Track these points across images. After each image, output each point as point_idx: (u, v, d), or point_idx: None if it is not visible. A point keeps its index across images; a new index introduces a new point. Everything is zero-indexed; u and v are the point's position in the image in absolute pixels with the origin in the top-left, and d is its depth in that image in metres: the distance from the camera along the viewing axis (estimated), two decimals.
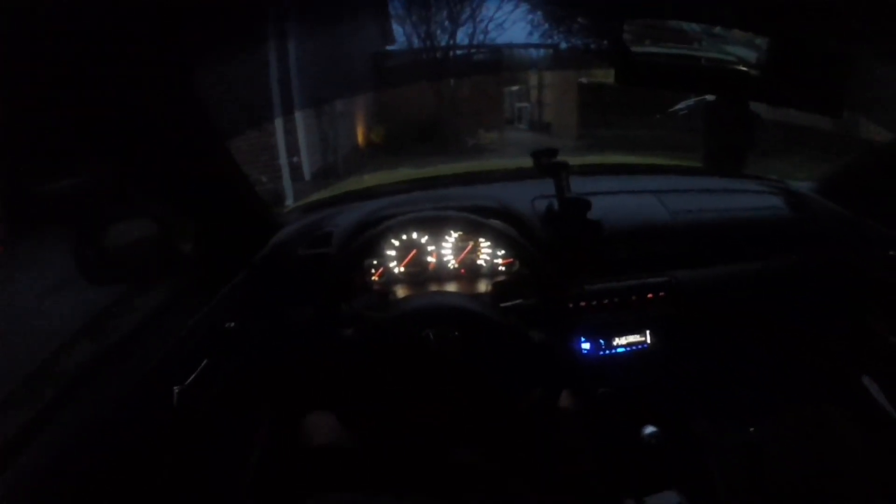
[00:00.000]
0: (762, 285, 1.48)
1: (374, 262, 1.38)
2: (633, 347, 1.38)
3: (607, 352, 1.37)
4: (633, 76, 1.31)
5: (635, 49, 1.29)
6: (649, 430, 1.37)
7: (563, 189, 1.25)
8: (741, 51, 1.37)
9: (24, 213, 1.06)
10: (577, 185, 1.28)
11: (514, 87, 6.05)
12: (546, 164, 1.27)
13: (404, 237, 1.37)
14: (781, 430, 1.54)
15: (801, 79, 1.29)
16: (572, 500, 1.31)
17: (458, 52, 5.88)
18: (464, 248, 1.39)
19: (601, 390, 1.38)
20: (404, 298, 1.18)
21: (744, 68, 1.35)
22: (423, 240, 1.38)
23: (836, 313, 1.53)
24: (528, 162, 1.31)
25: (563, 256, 1.26)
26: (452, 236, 1.39)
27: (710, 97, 1.79)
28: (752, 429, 1.52)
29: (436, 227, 1.33)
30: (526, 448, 1.30)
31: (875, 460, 1.45)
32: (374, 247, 1.15)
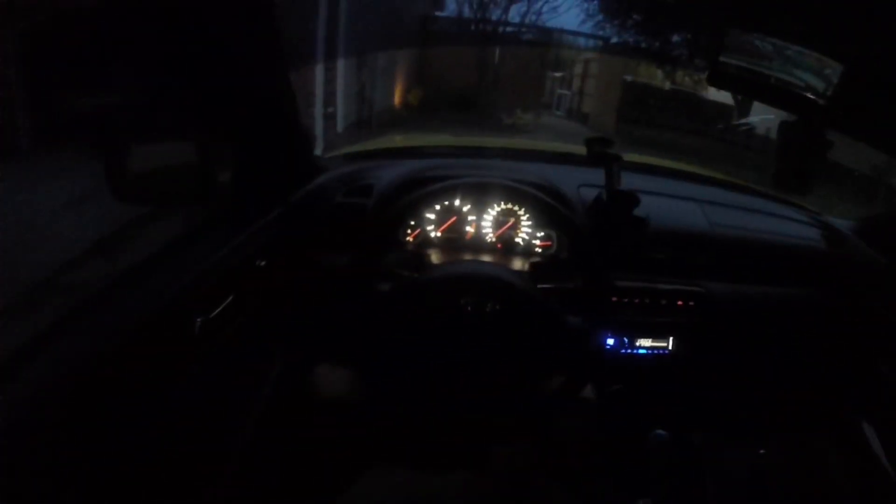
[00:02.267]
0: (787, 311, 1.47)
1: (412, 222, 1.37)
2: (655, 350, 1.37)
3: (629, 350, 1.36)
4: (724, 81, 1.28)
5: (724, 59, 1.27)
6: (659, 433, 1.38)
7: (614, 181, 1.23)
8: (810, 76, 1.35)
9: (52, 124, 1.05)
10: (625, 181, 1.27)
11: (558, 73, 5.96)
12: (600, 153, 1.25)
13: (446, 202, 1.36)
14: (781, 457, 1.55)
15: (870, 111, 1.27)
16: (569, 488, 1.32)
17: (508, 28, 5.80)
18: (504, 223, 1.38)
19: (615, 387, 1.38)
20: (443, 264, 1.17)
21: (811, 94, 1.33)
22: (465, 208, 1.36)
23: (851, 354, 1.52)
24: (572, 147, 1.30)
25: (606, 247, 1.25)
26: (495, 209, 1.37)
27: (785, 117, 1.76)
28: (762, 451, 1.53)
29: (482, 196, 1.32)
30: (537, 431, 1.30)
31: (861, 501, 1.47)
32: (417, 208, 1.14)
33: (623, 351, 1.36)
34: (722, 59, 1.26)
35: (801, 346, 1.51)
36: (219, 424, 1.12)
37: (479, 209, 1.36)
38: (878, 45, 1.18)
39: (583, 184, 1.39)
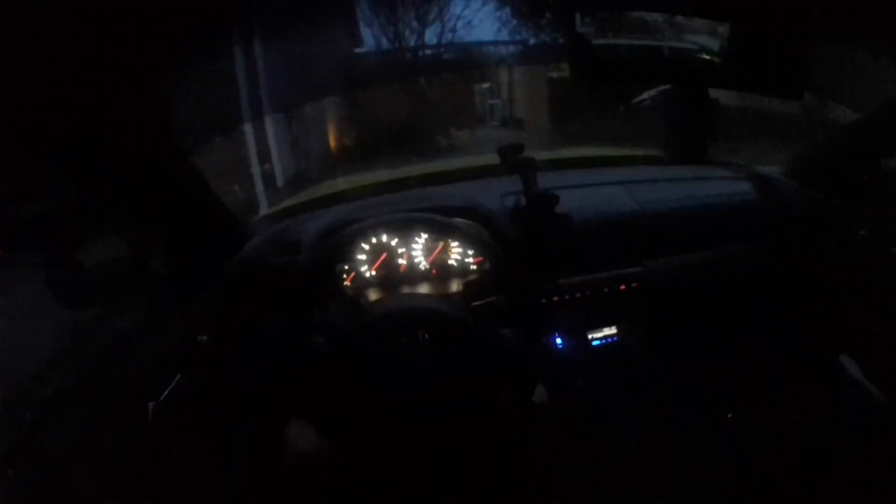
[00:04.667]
0: (735, 271, 1.49)
1: (346, 266, 1.36)
2: (607, 340, 1.38)
3: (581, 346, 1.37)
4: (590, 70, 1.31)
5: (596, 41, 1.29)
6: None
7: (531, 184, 1.25)
8: (703, 38, 1.38)
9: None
10: (546, 180, 1.28)
11: (485, 85, 6.03)
12: (512, 160, 1.27)
13: (374, 240, 1.36)
14: (760, 415, 1.55)
15: (762, 63, 1.31)
16: (546, 496, 1.31)
17: (428, 51, 5.86)
18: (434, 249, 1.39)
19: (577, 384, 1.38)
20: (373, 303, 1.17)
21: (705, 56, 1.36)
22: (394, 242, 1.37)
23: (809, 295, 1.54)
24: (497, 159, 1.31)
25: (533, 252, 1.26)
26: (422, 238, 1.38)
27: (670, 86, 1.79)
28: (729, 415, 1.53)
29: (402, 230, 1.32)
30: (501, 446, 1.29)
31: (854, 438, 1.47)
32: (341, 251, 1.14)
33: (575, 347, 1.36)
34: (597, 43, 1.29)
35: (755, 301, 1.53)
36: (193, 499, 1.10)
37: (407, 241, 1.37)
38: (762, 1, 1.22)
39: (505, 193, 1.40)
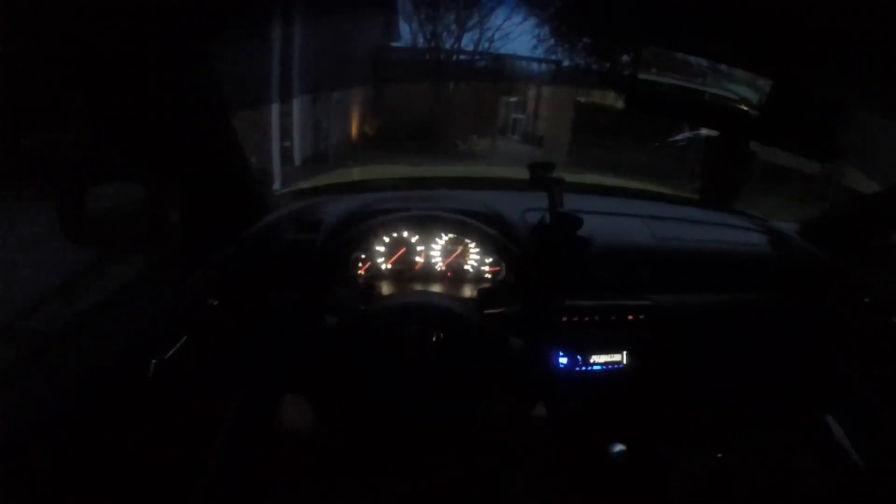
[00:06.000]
0: (738, 317, 1.51)
1: (362, 255, 1.38)
2: (609, 366, 1.40)
3: (583, 368, 1.38)
4: (640, 102, 1.33)
5: (643, 76, 1.32)
6: (617, 448, 1.39)
7: (556, 203, 1.27)
8: (743, 89, 1.41)
9: (3, 165, 1.04)
10: (569, 203, 1.30)
11: (512, 98, 6.07)
12: (541, 178, 1.29)
13: (395, 234, 1.37)
14: (745, 458, 1.58)
15: (798, 124, 1.33)
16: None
17: (461, 56, 5.90)
18: (452, 252, 1.40)
19: (569, 403, 1.40)
20: (390, 294, 1.19)
21: (744, 107, 1.39)
22: (414, 239, 1.38)
23: (806, 351, 1.57)
24: (520, 173, 1.33)
25: (549, 269, 1.28)
26: (442, 238, 1.40)
27: (709, 132, 1.82)
28: (719, 455, 1.55)
29: (427, 227, 1.34)
30: (494, 453, 1.31)
31: (830, 492, 1.50)
32: (362, 240, 1.15)
33: (577, 369, 1.38)
34: (641, 77, 1.32)
35: (754, 349, 1.55)
36: (180, 464, 1.10)
37: (427, 240, 1.39)
38: (805, 61, 1.24)
39: (529, 208, 1.42)
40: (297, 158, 4.08)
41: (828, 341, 1.55)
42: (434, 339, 1.01)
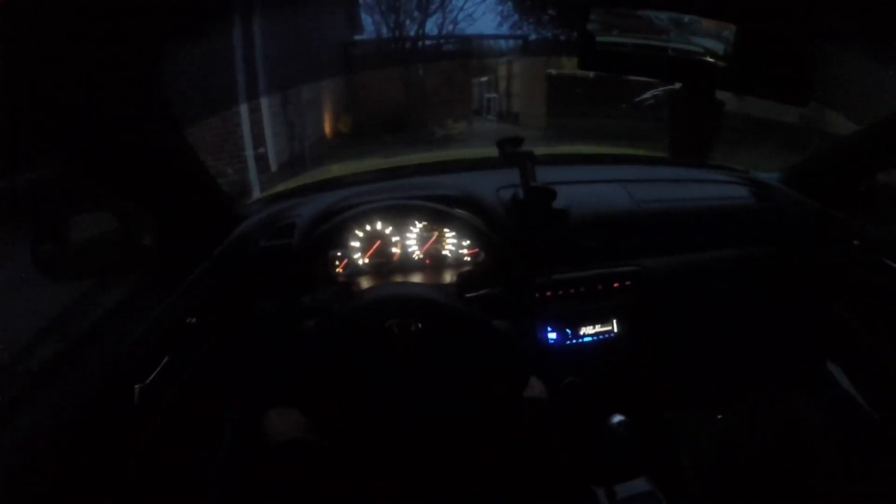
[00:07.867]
0: (728, 274, 1.50)
1: (339, 253, 1.36)
2: (600, 336, 1.38)
3: (574, 341, 1.37)
4: (597, 62, 1.31)
5: (602, 38, 1.29)
6: (617, 418, 1.38)
7: (528, 178, 1.25)
8: (708, 41, 1.38)
9: None
10: (544, 175, 1.28)
11: (483, 78, 6.06)
12: (511, 154, 1.26)
13: (368, 228, 1.35)
14: (748, 416, 1.57)
15: (767, 68, 1.31)
16: (542, 492, 1.32)
17: (428, 42, 5.87)
18: (429, 239, 1.38)
19: (568, 379, 1.38)
20: (366, 290, 1.17)
21: (711, 58, 1.36)
22: (388, 230, 1.36)
23: (801, 301, 1.55)
24: (494, 151, 1.30)
25: (528, 245, 1.25)
26: (417, 227, 1.37)
27: (676, 86, 1.80)
28: (719, 416, 1.54)
29: (399, 217, 1.31)
30: (493, 440, 1.29)
31: (839, 443, 1.49)
32: (335, 237, 1.13)
33: (568, 342, 1.36)
34: (605, 40, 1.29)
35: (748, 304, 1.54)
36: (179, 487, 1.09)
37: (402, 230, 1.36)
38: (769, 7, 1.22)
39: (502, 186, 1.40)
40: (274, 164, 4.05)
41: (821, 289, 1.53)
42: (412, 329, 0.98)
